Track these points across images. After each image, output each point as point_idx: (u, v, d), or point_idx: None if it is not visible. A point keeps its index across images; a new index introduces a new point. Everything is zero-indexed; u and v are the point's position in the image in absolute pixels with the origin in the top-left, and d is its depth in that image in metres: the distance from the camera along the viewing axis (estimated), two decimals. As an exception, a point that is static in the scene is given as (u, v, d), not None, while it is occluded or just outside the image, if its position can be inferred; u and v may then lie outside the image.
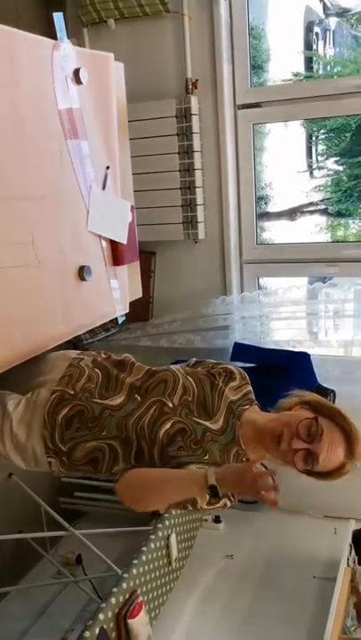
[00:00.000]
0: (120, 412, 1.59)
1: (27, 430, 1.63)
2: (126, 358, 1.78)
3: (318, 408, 1.54)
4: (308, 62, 4.07)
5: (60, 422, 1.60)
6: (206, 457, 1.50)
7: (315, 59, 4.05)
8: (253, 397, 1.68)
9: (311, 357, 2.94)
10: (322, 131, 3.94)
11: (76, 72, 1.78)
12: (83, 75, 1.80)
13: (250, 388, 1.70)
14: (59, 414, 1.61)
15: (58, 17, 1.75)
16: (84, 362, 1.76)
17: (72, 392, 1.64)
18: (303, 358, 2.93)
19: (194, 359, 1.79)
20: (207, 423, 1.56)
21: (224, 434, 1.56)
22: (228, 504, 1.50)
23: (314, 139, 4.11)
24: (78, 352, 1.86)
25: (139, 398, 1.61)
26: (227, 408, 1.60)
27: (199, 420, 1.56)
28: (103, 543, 2.70)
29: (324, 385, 2.86)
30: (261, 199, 3.70)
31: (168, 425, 1.54)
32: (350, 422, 1.53)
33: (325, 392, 2.80)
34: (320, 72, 3.97)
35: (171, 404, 1.58)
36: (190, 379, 1.65)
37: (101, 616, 2.01)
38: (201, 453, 1.51)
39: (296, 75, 3.62)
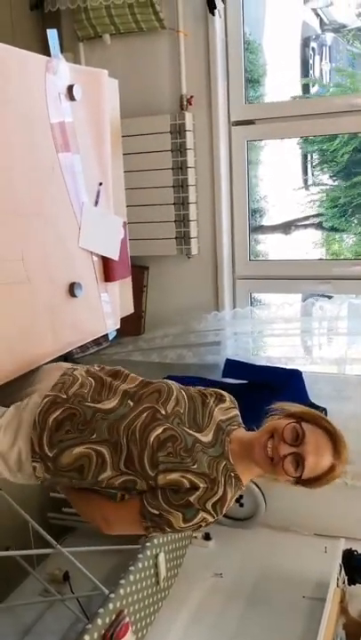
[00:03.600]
0: (112, 416, 1.58)
1: (13, 436, 1.61)
2: (120, 369, 1.78)
3: (301, 415, 1.56)
4: (305, 76, 4.08)
5: (51, 425, 1.58)
6: (195, 466, 1.50)
7: (311, 81, 4.07)
8: (241, 421, 1.69)
9: (303, 375, 2.94)
10: (316, 151, 3.95)
11: (70, 88, 1.78)
12: (76, 91, 1.79)
13: (237, 412, 1.71)
14: (50, 416, 1.59)
15: (52, 33, 1.75)
16: (78, 372, 1.75)
17: (64, 396, 1.63)
18: (295, 375, 2.92)
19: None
20: (197, 434, 1.56)
21: (213, 447, 1.56)
22: (210, 519, 1.50)
23: (310, 155, 4.12)
24: (71, 364, 1.85)
25: (131, 404, 1.61)
26: (216, 425, 1.61)
27: (190, 431, 1.56)
28: (91, 560, 2.66)
29: (316, 402, 2.85)
30: (256, 212, 3.70)
31: (160, 430, 1.53)
32: (333, 424, 1.55)
33: (316, 409, 2.79)
34: (316, 90, 3.98)
35: (163, 412, 1.58)
36: (183, 393, 1.67)
37: (87, 637, 1.98)
38: (190, 462, 1.50)
39: (294, 98, 3.64)
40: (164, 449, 1.51)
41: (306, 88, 3.94)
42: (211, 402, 1.66)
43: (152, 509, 1.51)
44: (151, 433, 1.52)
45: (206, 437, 1.57)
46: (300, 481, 1.51)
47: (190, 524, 1.49)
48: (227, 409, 1.68)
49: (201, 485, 1.49)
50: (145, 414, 1.57)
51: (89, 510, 1.64)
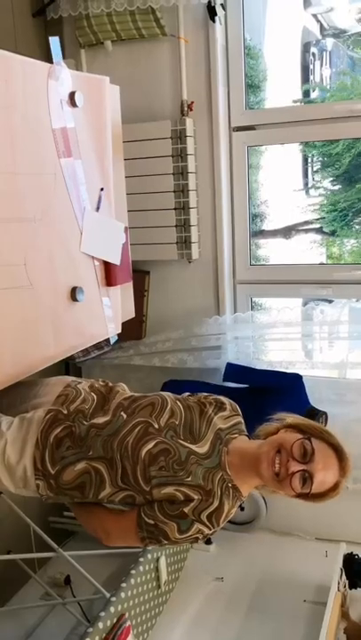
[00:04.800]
0: (105, 431, 1.58)
1: (19, 451, 1.62)
2: (115, 387, 1.79)
3: (304, 429, 1.54)
4: (305, 82, 4.10)
5: (52, 442, 1.59)
6: (189, 479, 1.49)
7: (312, 87, 4.09)
8: (244, 429, 1.67)
9: (304, 379, 2.94)
10: (318, 155, 3.96)
11: (72, 95, 1.79)
12: (78, 98, 1.81)
13: (240, 419, 1.68)
14: (51, 434, 1.60)
15: (54, 40, 1.76)
16: (82, 385, 1.77)
17: (65, 412, 1.65)
18: (295, 380, 2.93)
19: (187, 393, 1.77)
20: (192, 446, 1.54)
21: (209, 458, 1.54)
22: (206, 530, 1.49)
23: (310, 159, 4.14)
24: (75, 378, 1.86)
25: (124, 416, 1.61)
26: (214, 434, 1.59)
27: (184, 443, 1.54)
28: (93, 563, 2.67)
29: (317, 407, 2.86)
30: (257, 217, 3.71)
31: (151, 444, 1.53)
32: (339, 440, 1.53)
33: (317, 414, 2.80)
34: (317, 95, 4.00)
35: (156, 425, 1.57)
36: (179, 404, 1.65)
37: (88, 641, 1.98)
38: (183, 475, 1.49)
39: (296, 102, 3.65)
40: (156, 463, 1.51)
41: (306, 93, 3.97)
42: (210, 411, 1.64)
43: (148, 519, 1.50)
44: (143, 448, 1.52)
45: (202, 449, 1.55)
46: (301, 495, 1.49)
47: (185, 535, 1.48)
48: (228, 417, 1.65)
49: (195, 497, 1.48)
50: (137, 429, 1.56)
51: (90, 522, 1.65)
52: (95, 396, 1.72)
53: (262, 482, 1.53)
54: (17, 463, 1.61)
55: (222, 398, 1.70)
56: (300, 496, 1.50)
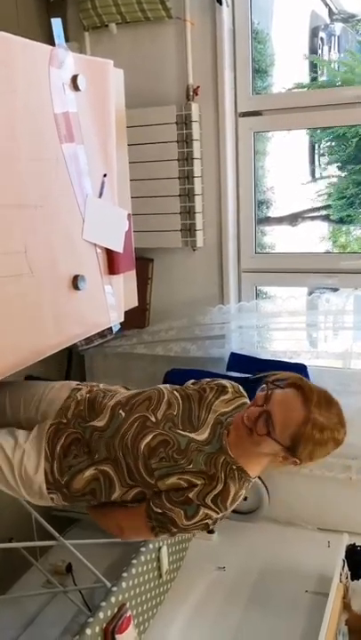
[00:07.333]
0: (107, 433, 1.61)
1: (35, 464, 1.65)
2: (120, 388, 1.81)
3: (272, 381, 1.54)
4: (313, 68, 4.05)
5: (59, 453, 1.63)
6: (190, 466, 1.51)
7: (319, 65, 4.03)
8: None
9: (308, 369, 2.92)
10: (326, 138, 3.92)
11: (74, 79, 1.75)
12: (81, 81, 1.77)
13: (245, 400, 1.67)
14: (57, 445, 1.64)
15: (56, 22, 1.72)
16: (81, 392, 1.79)
17: (65, 421, 1.69)
18: (300, 370, 2.90)
19: (191, 381, 1.78)
20: (191, 434, 1.56)
21: (210, 444, 1.55)
22: (213, 515, 1.49)
23: (317, 145, 4.09)
24: (77, 382, 1.88)
25: (123, 414, 1.63)
26: (214, 420, 1.60)
27: (183, 432, 1.56)
28: (94, 551, 2.67)
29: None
30: (263, 203, 3.67)
31: (149, 437, 1.55)
32: (302, 378, 1.54)
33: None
34: (324, 78, 3.95)
35: (154, 419, 1.59)
36: (177, 394, 1.67)
37: (88, 631, 1.98)
38: (184, 463, 1.51)
39: (299, 85, 3.60)
40: (155, 455, 1.53)
41: (313, 68, 3.91)
42: (210, 396, 1.65)
43: (156, 508, 1.53)
44: (141, 442, 1.55)
45: (202, 435, 1.57)
46: (287, 448, 1.46)
47: (193, 520, 1.50)
48: (230, 400, 1.66)
49: (198, 482, 1.50)
50: (135, 424, 1.59)
51: (105, 522, 1.68)
52: (89, 396, 1.75)
53: (249, 444, 1.51)
54: (34, 475, 1.64)
55: (224, 381, 1.71)
56: (287, 450, 1.46)
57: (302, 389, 1.49)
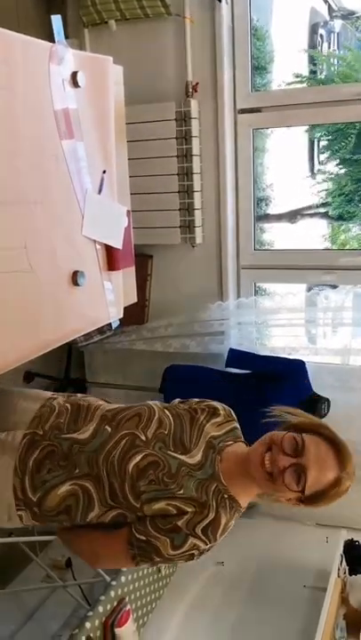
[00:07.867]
0: (88, 447, 1.49)
1: (3, 479, 1.51)
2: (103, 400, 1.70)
3: (301, 426, 1.46)
4: (312, 61, 4.05)
5: (31, 467, 1.50)
6: (181, 492, 1.40)
7: (318, 61, 4.03)
8: (240, 435, 1.58)
9: (307, 365, 2.93)
10: (324, 132, 3.92)
11: (74, 75, 1.76)
12: (80, 78, 1.77)
13: (236, 425, 1.59)
14: (29, 459, 1.51)
15: (56, 19, 1.72)
16: (57, 401, 1.67)
17: (41, 433, 1.55)
18: (298, 366, 2.91)
19: (177, 399, 1.68)
20: (183, 457, 1.45)
21: (202, 469, 1.45)
22: (202, 545, 1.39)
23: (316, 141, 4.10)
24: (52, 393, 1.76)
25: (109, 429, 1.51)
26: (206, 443, 1.50)
27: (174, 454, 1.45)
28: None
29: (320, 393, 2.85)
30: (262, 200, 3.68)
31: (138, 458, 1.44)
32: (335, 432, 1.44)
33: (319, 400, 2.79)
34: (323, 74, 3.95)
35: (144, 437, 1.47)
36: (168, 412, 1.56)
37: (88, 624, 1.99)
38: (174, 488, 1.40)
39: (298, 76, 3.59)
40: (144, 477, 1.42)
41: (313, 62, 3.91)
42: (201, 418, 1.55)
43: (139, 535, 1.41)
44: (130, 462, 1.43)
45: (194, 459, 1.46)
46: (303, 499, 1.40)
47: (179, 551, 1.39)
48: (221, 423, 1.56)
49: (189, 510, 1.39)
50: (123, 442, 1.47)
51: (77, 546, 1.56)
52: (70, 406, 1.62)
53: (259, 488, 1.45)
54: (1, 492, 1.51)
55: (215, 403, 1.61)
56: (300, 500, 1.41)
57: (337, 446, 1.41)
